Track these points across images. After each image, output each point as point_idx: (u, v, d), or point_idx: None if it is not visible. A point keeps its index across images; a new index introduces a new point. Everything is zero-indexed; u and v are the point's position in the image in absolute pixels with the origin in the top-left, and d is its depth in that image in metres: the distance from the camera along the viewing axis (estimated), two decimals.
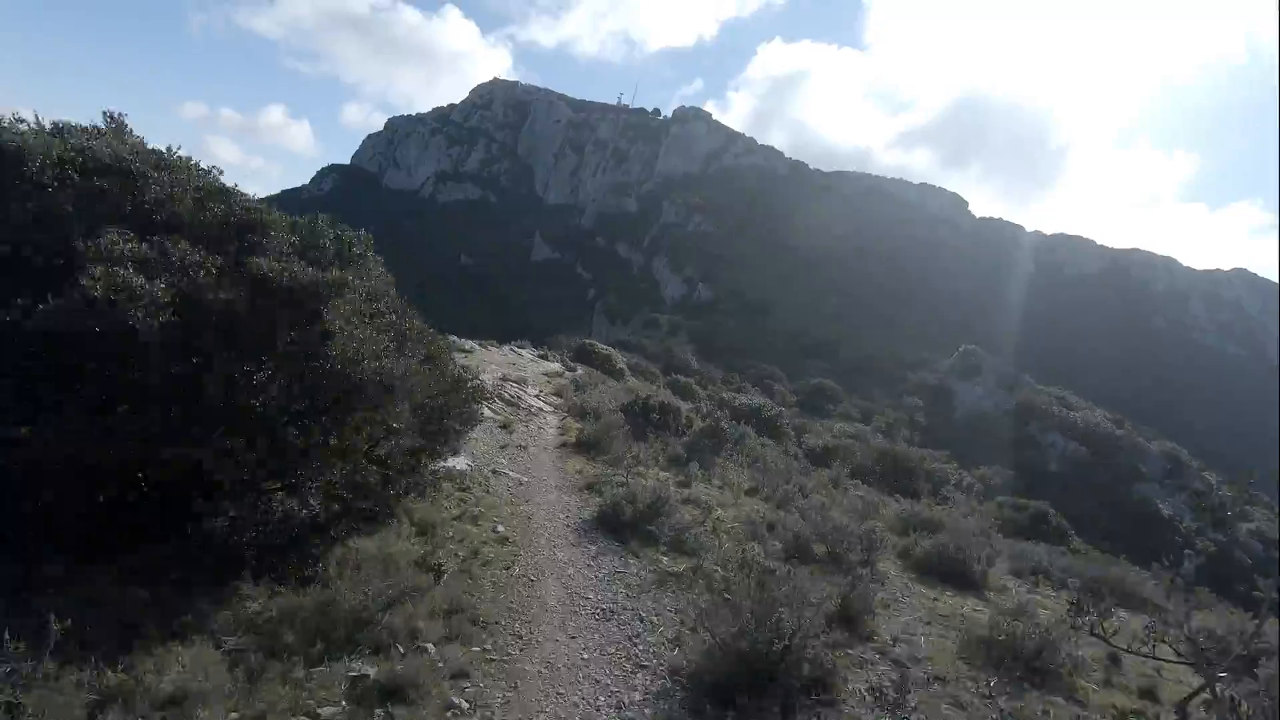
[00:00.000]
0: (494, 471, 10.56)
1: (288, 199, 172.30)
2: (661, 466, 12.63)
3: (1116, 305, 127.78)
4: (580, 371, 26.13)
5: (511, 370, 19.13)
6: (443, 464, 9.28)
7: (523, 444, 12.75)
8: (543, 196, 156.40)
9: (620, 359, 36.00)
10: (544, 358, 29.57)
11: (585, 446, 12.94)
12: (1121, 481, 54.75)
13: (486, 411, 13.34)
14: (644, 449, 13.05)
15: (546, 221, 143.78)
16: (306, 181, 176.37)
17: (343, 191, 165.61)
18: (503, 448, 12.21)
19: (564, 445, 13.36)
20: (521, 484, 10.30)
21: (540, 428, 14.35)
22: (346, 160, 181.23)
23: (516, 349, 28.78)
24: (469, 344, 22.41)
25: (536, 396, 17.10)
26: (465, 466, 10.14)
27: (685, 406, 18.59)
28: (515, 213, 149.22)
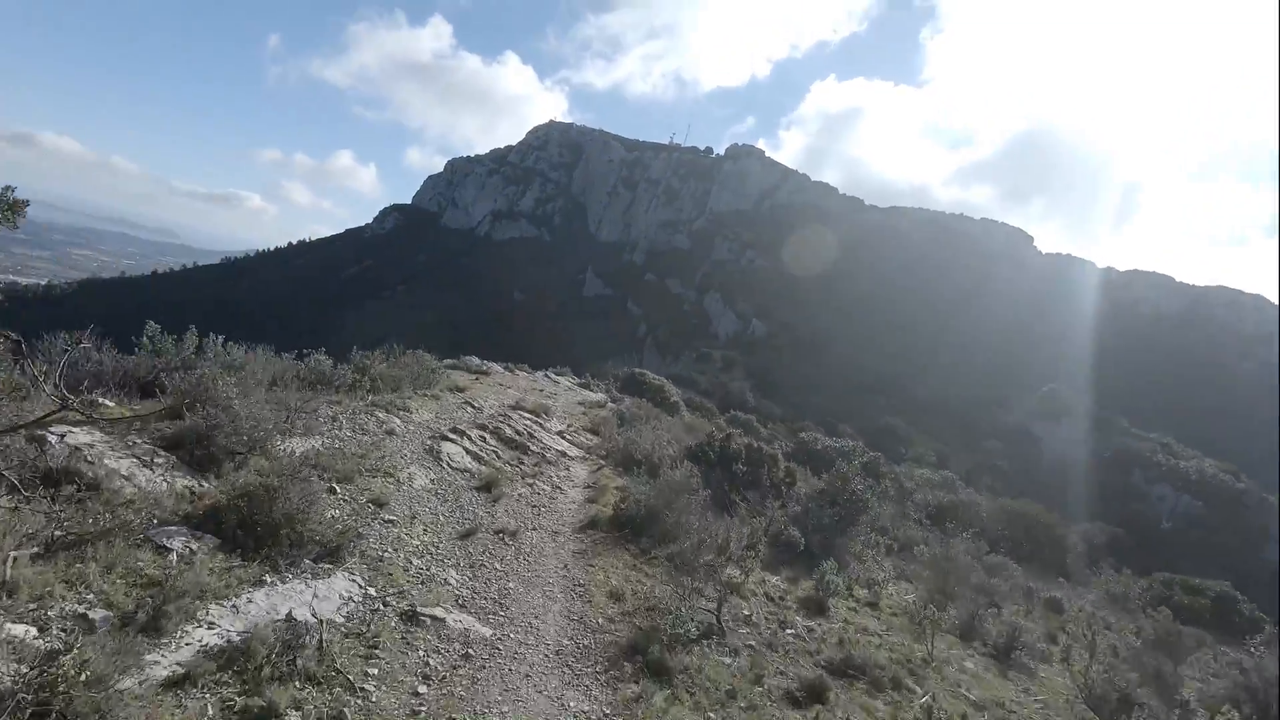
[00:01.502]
0: (412, 614, 5.26)
1: (351, 238, 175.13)
2: (767, 565, 7.23)
3: (1200, 346, 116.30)
4: (627, 402, 20.94)
5: (533, 397, 14.27)
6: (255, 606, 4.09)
7: (512, 526, 7.48)
8: (595, 233, 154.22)
9: (674, 391, 30.71)
10: (585, 386, 24.51)
11: (629, 525, 7.62)
12: (1250, 544, 46.23)
13: (456, 457, 8.46)
14: (731, 529, 7.51)
15: (598, 258, 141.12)
16: (370, 220, 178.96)
17: (403, 230, 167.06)
18: (466, 536, 6.98)
19: (592, 524, 8.07)
20: (471, 655, 4.99)
21: (556, 486, 9.39)
22: (408, 200, 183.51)
23: (553, 375, 23.78)
24: (480, 364, 17.49)
25: (560, 434, 12.51)
26: (337, 604, 4.88)
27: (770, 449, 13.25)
28: (568, 249, 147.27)
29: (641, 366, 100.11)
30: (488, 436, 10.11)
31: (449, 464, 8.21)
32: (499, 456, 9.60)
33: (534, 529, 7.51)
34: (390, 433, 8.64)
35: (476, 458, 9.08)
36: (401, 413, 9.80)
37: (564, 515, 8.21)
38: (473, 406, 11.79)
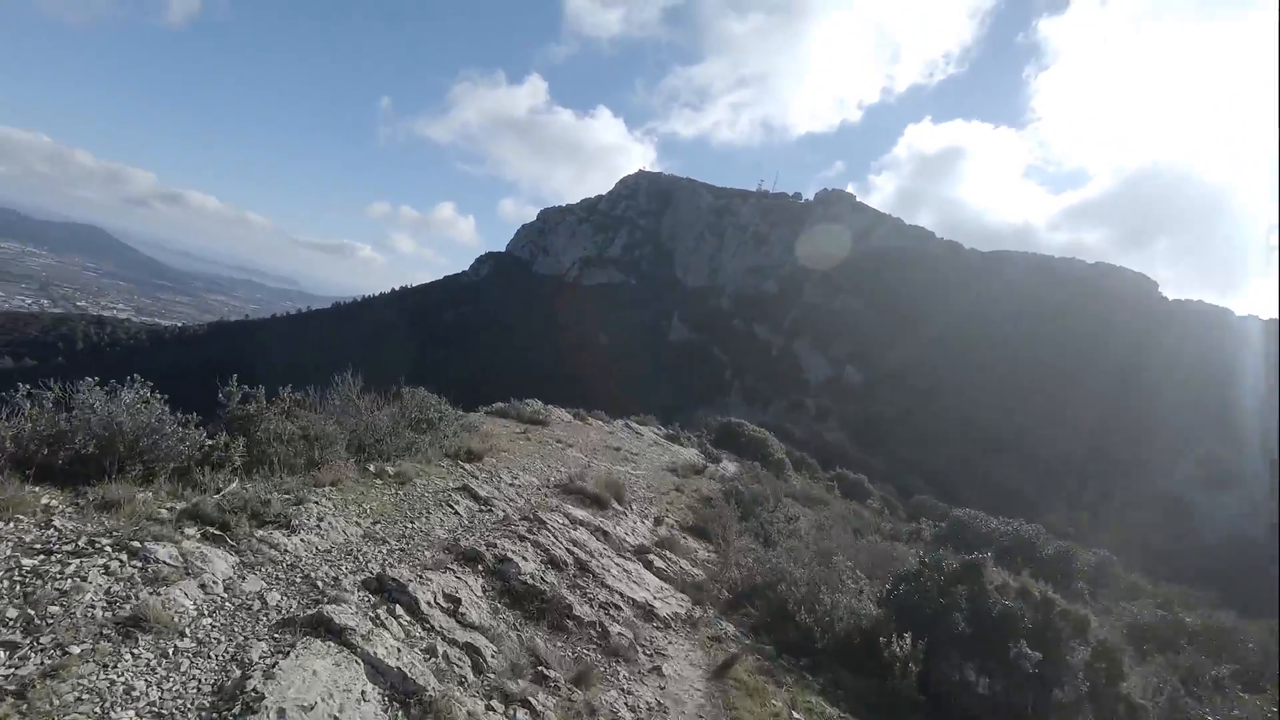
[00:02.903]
0: None
1: (449, 284, 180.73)
2: None
3: None
4: (732, 467, 16.79)
5: (605, 460, 10.39)
6: None
7: None
8: (681, 279, 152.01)
9: (777, 446, 26.23)
10: (673, 439, 20.54)
11: None
12: None
13: (337, 691, 3.34)
14: None
15: (684, 304, 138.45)
16: (466, 268, 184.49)
17: (497, 277, 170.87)
18: None
19: None
20: None
21: None
22: (503, 248, 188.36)
23: (634, 425, 19.95)
24: (538, 409, 13.68)
25: (642, 552, 7.44)
26: None
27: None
28: (654, 295, 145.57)
29: (729, 414, 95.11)
30: (476, 586, 5.18)
31: None
32: (492, 654, 4.32)
33: None
34: (138, 625, 3.34)
35: (410, 686, 3.61)
36: (271, 534, 4.79)
37: None
38: (476, 498, 7.10)
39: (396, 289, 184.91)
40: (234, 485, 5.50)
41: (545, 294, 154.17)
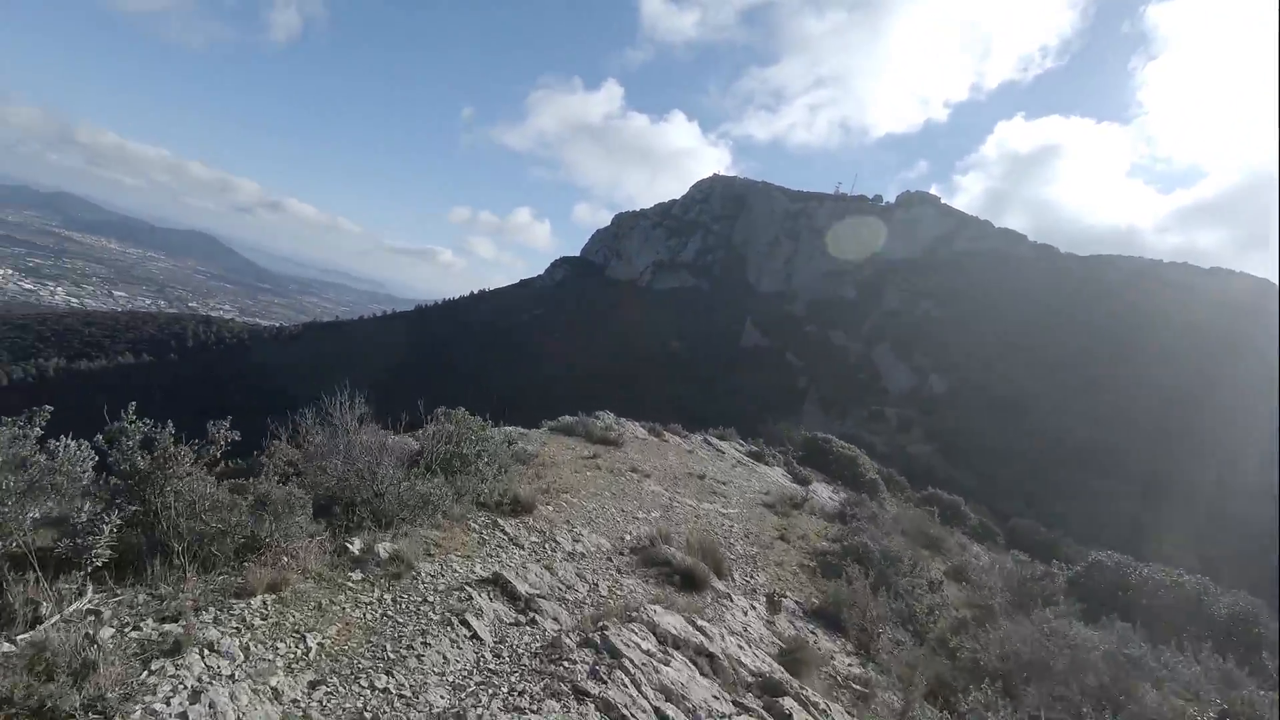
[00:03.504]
0: None
1: (524, 288, 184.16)
2: None
3: None
4: (825, 491, 15.50)
5: (690, 494, 9.21)
6: None
7: None
8: (755, 284, 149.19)
9: (869, 465, 24.51)
10: (757, 457, 19.28)
11: None
12: None
13: None
14: None
15: (758, 309, 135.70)
16: (541, 272, 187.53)
17: (571, 281, 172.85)
18: None
19: None
20: None
21: None
22: (577, 253, 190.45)
23: (713, 441, 18.82)
24: (611, 423, 12.75)
25: (780, 703, 4.50)
26: None
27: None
28: (727, 300, 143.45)
29: (803, 423, 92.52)
30: None
31: None
32: None
33: None
34: None
35: None
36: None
37: None
38: (512, 598, 5.00)
39: (476, 292, 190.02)
40: (80, 604, 3.42)
41: (618, 298, 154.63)
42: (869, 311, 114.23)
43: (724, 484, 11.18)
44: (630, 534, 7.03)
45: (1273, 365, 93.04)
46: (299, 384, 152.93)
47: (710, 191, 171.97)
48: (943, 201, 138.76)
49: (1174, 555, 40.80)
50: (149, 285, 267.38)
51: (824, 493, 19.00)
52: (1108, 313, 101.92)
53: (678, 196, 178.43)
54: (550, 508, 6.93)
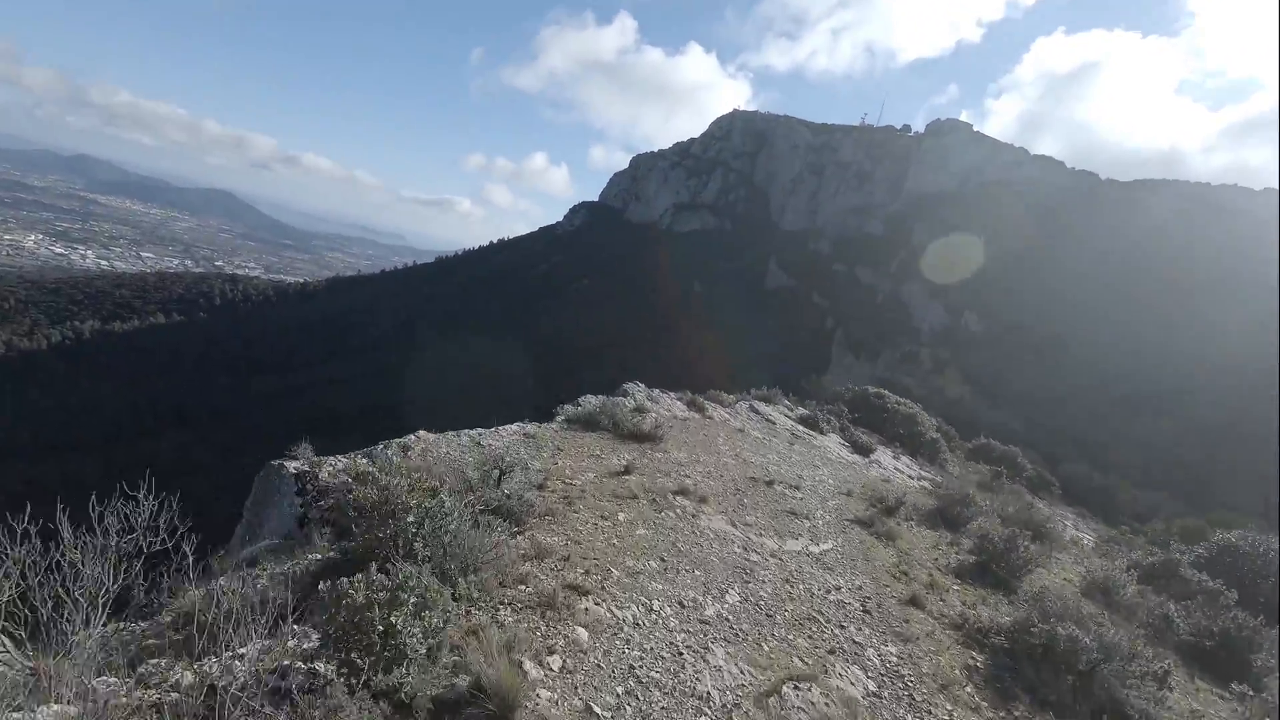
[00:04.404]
0: None
1: (544, 235, 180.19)
2: None
3: None
4: (910, 466, 12.98)
5: (764, 516, 6.58)
6: None
7: None
8: (778, 223, 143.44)
9: (928, 422, 21.78)
10: (810, 424, 16.60)
11: None
12: None
13: None
14: None
15: (781, 248, 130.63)
16: (560, 219, 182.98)
17: (590, 226, 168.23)
18: None
19: None
20: None
21: None
22: (596, 198, 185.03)
23: (760, 409, 16.15)
24: (643, 399, 10.04)
25: None
26: None
27: None
28: (750, 240, 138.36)
29: (831, 365, 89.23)
30: None
31: None
32: None
33: None
34: None
35: None
36: None
37: None
38: None
39: (495, 242, 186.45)
40: None
41: (638, 242, 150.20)
42: (897, 248, 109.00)
43: (796, 488, 8.55)
44: (708, 688, 4.10)
45: None
46: (324, 341, 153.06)
47: (730, 128, 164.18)
48: (974, 129, 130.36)
49: (1242, 503, 37.87)
50: (175, 245, 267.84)
51: (889, 462, 16.39)
52: (1152, 243, 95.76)
53: (696, 135, 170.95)
54: (556, 663, 3.90)
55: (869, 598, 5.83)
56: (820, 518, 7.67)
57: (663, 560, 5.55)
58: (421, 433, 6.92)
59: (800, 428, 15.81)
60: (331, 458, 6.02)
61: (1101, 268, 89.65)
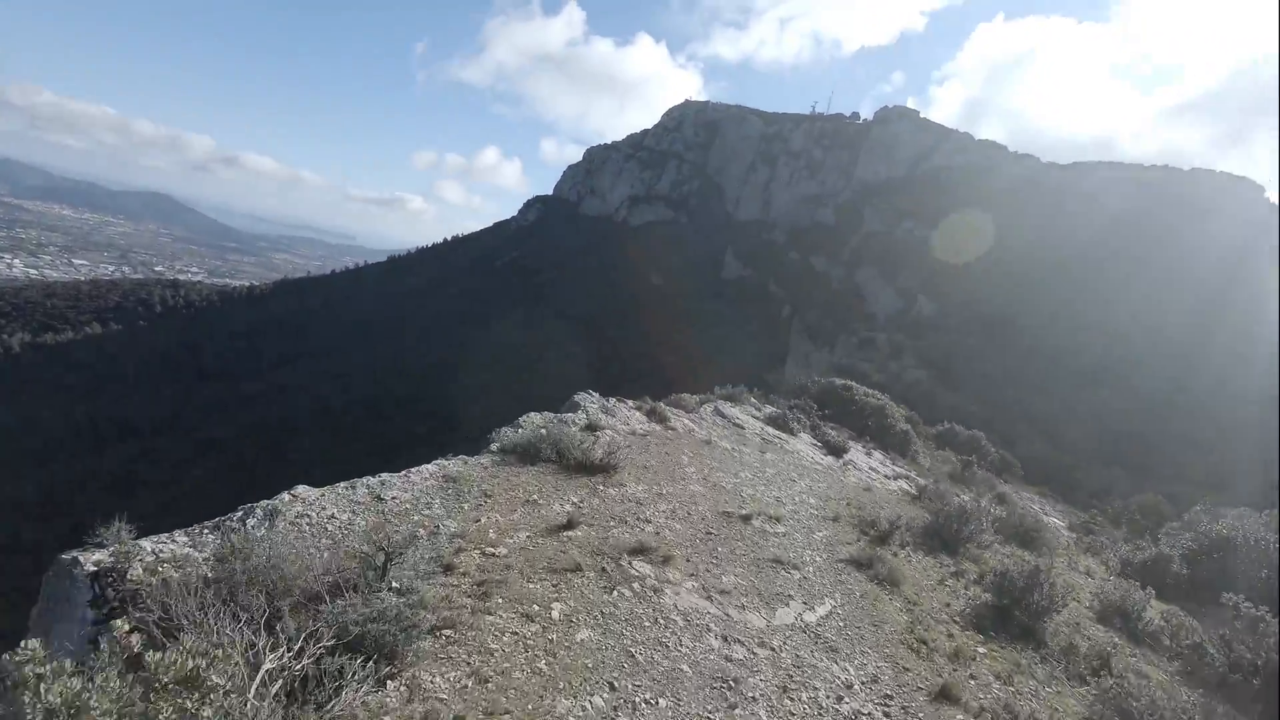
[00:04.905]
0: None
1: (498, 230, 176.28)
2: None
3: None
4: (885, 463, 11.81)
5: (742, 573, 5.13)
6: None
7: None
8: (732, 213, 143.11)
9: (897, 413, 20.81)
10: (779, 424, 15.35)
11: None
12: None
13: None
14: None
15: (737, 238, 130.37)
16: (515, 213, 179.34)
17: (545, 220, 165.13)
18: None
19: None
20: None
21: None
22: (550, 191, 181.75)
23: (726, 411, 14.79)
24: (596, 412, 8.57)
25: None
26: None
27: None
28: (705, 231, 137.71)
29: (790, 354, 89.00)
30: None
31: None
32: None
33: None
34: None
35: None
36: None
37: None
38: None
39: (449, 239, 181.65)
40: None
41: (595, 235, 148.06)
42: (850, 235, 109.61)
43: (776, 520, 7.14)
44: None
45: (1254, 266, 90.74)
46: (274, 345, 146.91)
47: (682, 119, 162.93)
48: (921, 115, 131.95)
49: (1199, 475, 38.47)
50: (110, 251, 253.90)
51: (863, 461, 15.24)
52: (1090, 222, 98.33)
53: (649, 126, 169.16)
54: None
55: (889, 697, 4.46)
56: (810, 562, 6.30)
57: (612, 689, 3.93)
58: (300, 490, 5.25)
59: (770, 430, 14.52)
60: (155, 541, 4.33)
61: (1044, 247, 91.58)
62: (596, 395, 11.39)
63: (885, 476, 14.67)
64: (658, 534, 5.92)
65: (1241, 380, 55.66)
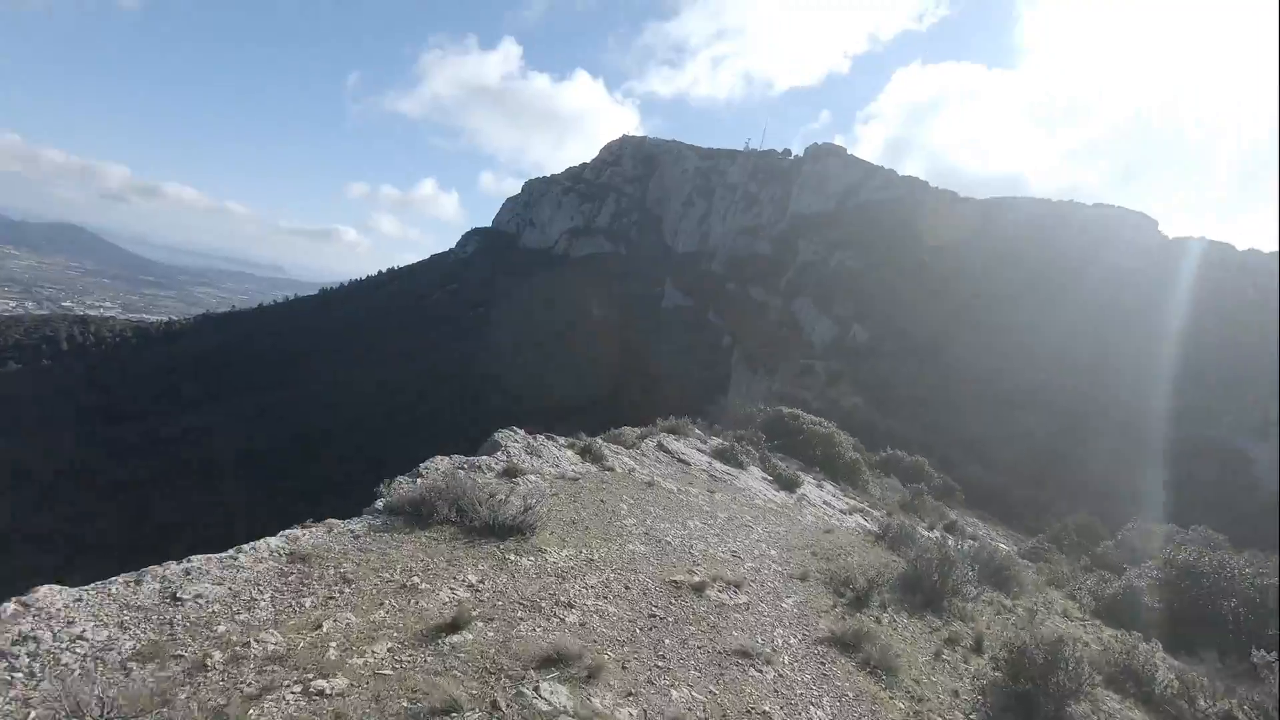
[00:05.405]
0: None
1: (437, 262, 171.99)
2: None
3: None
4: (816, 496, 10.57)
5: (683, 610, 3.76)
6: None
7: None
8: (671, 245, 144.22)
9: (845, 441, 19.86)
10: (727, 457, 14.02)
11: None
12: None
13: None
14: None
15: (677, 270, 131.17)
16: (453, 245, 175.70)
17: (484, 253, 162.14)
18: None
19: None
20: None
21: None
22: (489, 224, 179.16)
23: (669, 446, 13.38)
24: (518, 452, 6.93)
25: None
26: None
27: None
28: (645, 263, 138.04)
29: (731, 382, 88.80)
30: None
31: None
32: None
33: None
34: None
35: None
36: None
37: None
38: None
39: (383, 271, 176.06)
40: None
41: (534, 268, 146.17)
42: (785, 266, 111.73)
43: (736, 586, 5.67)
44: None
45: (1152, 294, 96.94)
46: (194, 384, 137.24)
47: (620, 153, 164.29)
48: (849, 152, 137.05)
49: (1114, 488, 39.36)
50: (12, 286, 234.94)
51: (816, 495, 14.03)
52: (1010, 254, 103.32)
53: (588, 160, 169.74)
54: None
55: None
56: (784, 648, 4.81)
57: None
58: (41, 593, 3.45)
59: (718, 465, 13.15)
60: None
61: (966, 276, 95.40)
62: (521, 432, 9.77)
63: (841, 511, 13.49)
64: (583, 626, 4.28)
65: (1147, 397, 58.36)
